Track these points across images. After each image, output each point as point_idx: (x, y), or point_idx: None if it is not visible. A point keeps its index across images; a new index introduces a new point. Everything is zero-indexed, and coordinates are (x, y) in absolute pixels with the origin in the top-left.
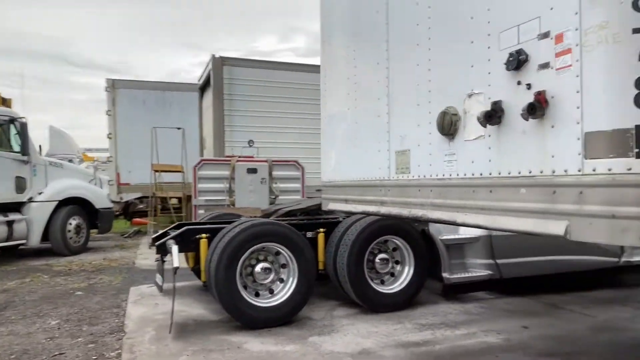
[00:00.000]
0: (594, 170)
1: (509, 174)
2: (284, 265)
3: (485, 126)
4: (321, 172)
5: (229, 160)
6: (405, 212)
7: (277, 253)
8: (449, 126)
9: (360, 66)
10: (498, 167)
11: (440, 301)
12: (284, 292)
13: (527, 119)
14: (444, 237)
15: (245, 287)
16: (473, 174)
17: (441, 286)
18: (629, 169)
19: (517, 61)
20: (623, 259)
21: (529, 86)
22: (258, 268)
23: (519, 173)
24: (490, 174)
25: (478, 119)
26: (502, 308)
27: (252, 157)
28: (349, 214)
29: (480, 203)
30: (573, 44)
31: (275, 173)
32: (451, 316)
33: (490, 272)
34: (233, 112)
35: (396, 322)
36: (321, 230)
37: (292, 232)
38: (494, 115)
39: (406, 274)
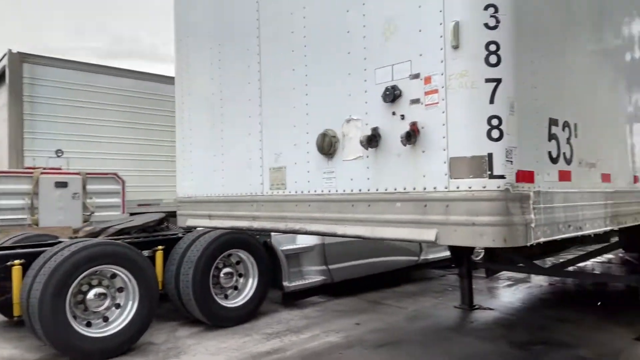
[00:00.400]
0: (457, 187)
1: (386, 190)
2: (121, 289)
3: (367, 149)
4: (177, 187)
5: (31, 173)
6: (281, 226)
7: (114, 276)
8: (328, 147)
9: (228, 83)
10: (376, 184)
11: (280, 309)
12: (122, 318)
13: (405, 145)
14: (284, 248)
15: (75, 317)
16: (352, 190)
17: (281, 294)
18: (484, 187)
19: (393, 95)
20: (421, 258)
21: (403, 117)
22: (91, 294)
23: (395, 189)
24: (368, 190)
25: (361, 142)
26: (335, 309)
27: (60, 168)
28: (213, 229)
29: (359, 216)
30: (439, 86)
31: (90, 187)
32: (293, 322)
33: (324, 277)
34: (36, 117)
35: (243, 334)
36: (159, 248)
37: (132, 251)
38: (373, 139)
39: (250, 286)
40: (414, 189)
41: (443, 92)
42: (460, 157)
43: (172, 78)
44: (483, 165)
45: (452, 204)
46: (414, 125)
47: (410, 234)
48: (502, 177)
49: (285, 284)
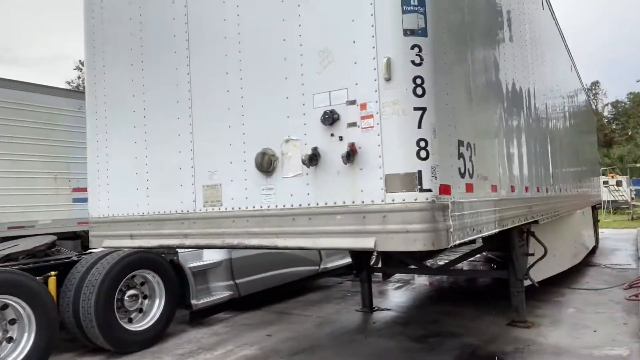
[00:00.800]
0: (393, 200)
1: (326, 204)
2: (13, 321)
3: (308, 167)
4: (90, 207)
5: None
6: (217, 241)
7: (4, 307)
8: (268, 165)
9: (154, 100)
10: (316, 199)
11: (188, 328)
12: (15, 354)
13: (345, 163)
14: (191, 265)
15: None
16: (292, 205)
17: (189, 313)
18: (416, 199)
19: (332, 119)
20: (321, 267)
21: (341, 138)
22: None
23: (335, 203)
24: (309, 204)
25: (303, 160)
26: (244, 323)
27: None
28: (117, 250)
29: (300, 229)
30: (374, 112)
31: None
32: (204, 340)
33: (231, 292)
34: None
35: (152, 358)
36: (52, 273)
37: (27, 278)
38: (314, 158)
39: (157, 307)
40: (353, 202)
41: (378, 117)
42: (395, 174)
43: (42, 86)
44: (414, 181)
45: (389, 215)
46: (352, 145)
47: (350, 243)
48: (429, 190)
49: (194, 302)
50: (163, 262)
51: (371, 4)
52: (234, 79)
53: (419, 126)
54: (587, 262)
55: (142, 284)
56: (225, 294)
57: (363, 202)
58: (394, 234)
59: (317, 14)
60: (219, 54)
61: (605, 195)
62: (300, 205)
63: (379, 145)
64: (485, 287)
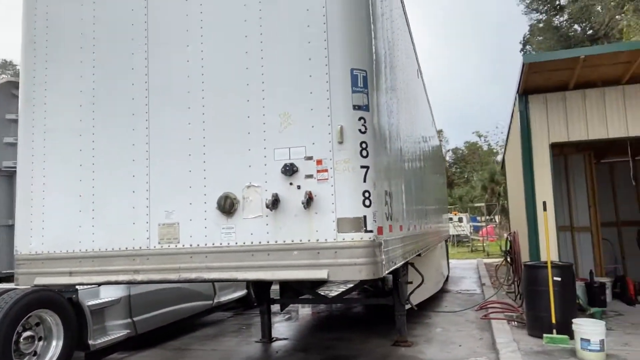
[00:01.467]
0: (343, 239)
1: (284, 242)
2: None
3: (271, 210)
4: (18, 244)
5: None
6: (173, 276)
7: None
8: (230, 207)
9: (104, 139)
10: (275, 237)
11: None
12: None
13: (305, 208)
14: (90, 303)
15: None
16: (252, 242)
17: (84, 355)
18: (361, 238)
19: (292, 170)
20: (215, 301)
21: (299, 187)
22: None
23: (292, 241)
24: (268, 242)
25: (267, 204)
26: None
27: None
28: (35, 287)
29: (259, 263)
30: (329, 167)
31: None
32: None
33: (128, 330)
34: None
35: None
36: None
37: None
38: (276, 203)
39: (54, 349)
40: (309, 240)
41: (332, 171)
42: (345, 217)
43: None
44: (360, 224)
45: (339, 251)
46: (310, 194)
47: (305, 274)
48: (371, 231)
49: (91, 342)
50: (63, 301)
51: (327, 82)
52: (196, 131)
53: (364, 180)
54: (442, 288)
55: (37, 324)
56: (123, 332)
57: (318, 240)
58: (344, 266)
59: (279, 84)
60: (181, 107)
61: (451, 230)
62: (259, 242)
63: (332, 195)
64: (363, 315)
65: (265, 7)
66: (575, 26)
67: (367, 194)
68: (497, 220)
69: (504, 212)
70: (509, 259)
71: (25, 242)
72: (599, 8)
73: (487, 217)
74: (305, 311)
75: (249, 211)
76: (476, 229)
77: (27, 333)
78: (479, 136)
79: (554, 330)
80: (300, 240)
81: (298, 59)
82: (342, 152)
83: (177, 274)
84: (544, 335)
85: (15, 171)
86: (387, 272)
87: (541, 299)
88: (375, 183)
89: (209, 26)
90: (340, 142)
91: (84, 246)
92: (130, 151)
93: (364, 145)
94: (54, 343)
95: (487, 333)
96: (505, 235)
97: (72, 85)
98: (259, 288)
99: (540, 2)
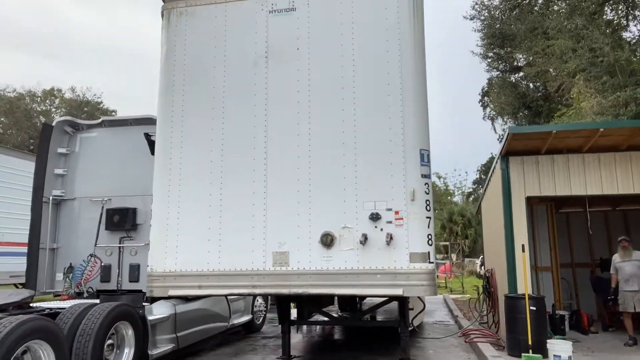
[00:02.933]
0: (414, 267)
1: (370, 268)
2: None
3: (362, 245)
4: (153, 263)
5: None
6: (284, 290)
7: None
8: (330, 242)
9: (231, 190)
10: (363, 264)
11: None
12: None
13: (387, 245)
14: (150, 318)
15: None
16: (346, 268)
17: None
18: (427, 267)
19: (377, 217)
20: (230, 323)
21: (381, 229)
22: None
23: (377, 267)
24: (358, 268)
25: (360, 241)
26: None
27: None
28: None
29: (351, 282)
30: (404, 216)
31: None
32: None
33: (173, 345)
34: None
35: None
36: None
37: (53, 324)
38: (365, 240)
39: (126, 356)
40: (389, 267)
41: (406, 220)
42: (415, 252)
43: None
44: (426, 257)
45: (411, 275)
46: (390, 235)
47: (386, 291)
48: (432, 263)
49: (150, 352)
50: (137, 315)
51: (403, 157)
52: (303, 185)
53: (428, 227)
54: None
55: (112, 334)
56: (170, 345)
57: (395, 267)
58: (414, 287)
59: (368, 153)
60: (292, 166)
61: None
62: (352, 268)
63: (406, 236)
64: (362, 336)
65: (359, 84)
66: (531, 85)
67: (429, 237)
68: (454, 259)
69: (463, 251)
70: (487, 292)
71: (159, 262)
72: (552, 71)
73: (445, 255)
74: (318, 330)
75: (344, 245)
76: (437, 265)
77: (109, 341)
78: (439, 177)
79: (530, 350)
80: (382, 267)
81: (382, 138)
82: (413, 207)
83: (288, 289)
84: (522, 354)
85: (62, 200)
86: (433, 295)
87: (519, 324)
88: (432, 229)
89: (314, 91)
90: (412, 200)
91: (211, 267)
92: (251, 197)
93: (427, 203)
94: (126, 351)
95: (472, 354)
96: (483, 272)
97: (204, 139)
98: (283, 311)
99: (500, 62)
